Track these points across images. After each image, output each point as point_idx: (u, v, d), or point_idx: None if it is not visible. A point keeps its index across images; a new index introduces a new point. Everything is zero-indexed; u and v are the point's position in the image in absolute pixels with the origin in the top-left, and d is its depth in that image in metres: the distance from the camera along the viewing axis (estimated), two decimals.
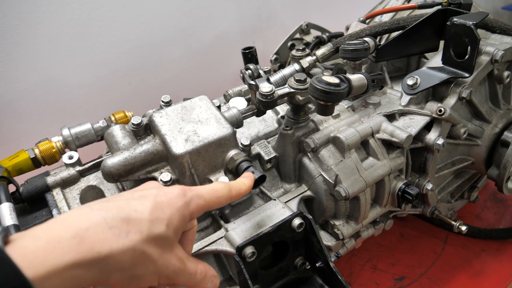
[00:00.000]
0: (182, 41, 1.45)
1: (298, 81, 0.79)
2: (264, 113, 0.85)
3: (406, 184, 0.88)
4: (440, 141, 0.86)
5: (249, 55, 0.91)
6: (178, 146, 0.70)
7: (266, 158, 0.86)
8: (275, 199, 0.79)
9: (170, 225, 0.48)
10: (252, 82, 0.81)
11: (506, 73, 0.92)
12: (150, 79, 1.45)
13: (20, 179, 0.81)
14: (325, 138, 0.83)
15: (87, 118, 0.93)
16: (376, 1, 1.28)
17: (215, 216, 0.79)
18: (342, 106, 0.92)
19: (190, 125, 0.73)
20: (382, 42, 1.00)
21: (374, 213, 0.90)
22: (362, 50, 0.83)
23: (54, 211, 0.75)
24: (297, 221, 0.70)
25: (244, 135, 0.89)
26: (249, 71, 0.84)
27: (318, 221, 0.89)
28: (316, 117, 0.88)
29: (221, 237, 0.73)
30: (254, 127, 0.94)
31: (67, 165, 0.81)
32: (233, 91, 1.03)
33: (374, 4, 1.28)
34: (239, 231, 0.71)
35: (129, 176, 0.72)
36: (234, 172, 0.73)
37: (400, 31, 0.89)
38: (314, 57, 0.94)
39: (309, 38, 1.33)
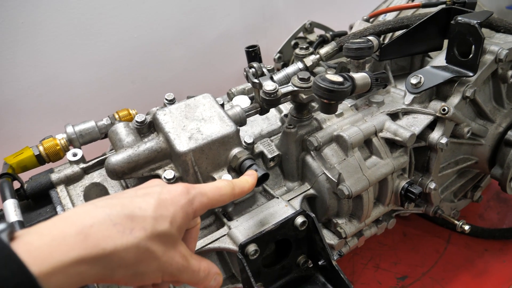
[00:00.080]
0: (186, 40, 1.45)
1: (301, 79, 0.79)
2: (267, 111, 0.85)
3: (409, 183, 0.88)
4: (444, 140, 0.85)
5: (253, 54, 0.91)
6: (182, 144, 0.70)
7: (269, 156, 0.86)
8: (278, 197, 0.79)
9: (174, 222, 0.48)
10: (256, 80, 0.81)
11: (510, 72, 0.92)
12: (154, 78, 1.45)
13: (25, 176, 0.82)
14: (328, 137, 0.83)
15: (90, 116, 0.93)
16: (380, 0, 1.28)
17: (218, 214, 0.79)
18: (345, 104, 0.92)
19: (193, 123, 0.73)
20: (386, 41, 1.00)
21: (377, 212, 0.90)
22: (365, 49, 0.83)
23: (58, 208, 0.76)
24: (300, 219, 0.70)
25: (247, 133, 0.89)
26: (253, 70, 0.84)
27: (321, 219, 0.89)
28: (320, 115, 0.88)
29: (224, 235, 0.73)
30: (257, 125, 0.94)
31: (71, 163, 0.81)
32: (237, 89, 1.03)
33: (378, 3, 1.27)
34: (242, 229, 0.72)
35: (133, 173, 0.72)
36: (237, 170, 0.73)
37: (404, 30, 0.89)
38: (317, 56, 0.94)
39: (312, 37, 1.33)
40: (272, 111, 0.95)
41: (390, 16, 1.12)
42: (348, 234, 0.86)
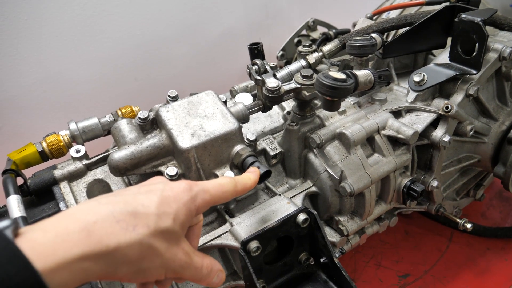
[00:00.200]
0: (189, 37, 1.45)
1: (304, 76, 0.79)
2: (270, 108, 0.85)
3: (412, 181, 0.87)
4: (447, 138, 0.85)
5: (256, 51, 0.91)
6: (185, 141, 0.70)
7: (272, 153, 0.86)
8: (280, 195, 0.79)
9: (177, 219, 0.48)
10: (259, 78, 0.81)
11: None
12: (157, 75, 1.45)
13: (28, 172, 0.82)
14: (331, 134, 0.83)
15: (93, 113, 0.93)
16: None
17: (220, 211, 0.79)
18: (348, 102, 0.91)
19: (196, 119, 0.73)
20: (389, 39, 1.00)
21: (379, 210, 0.90)
22: (369, 46, 0.83)
23: (61, 204, 0.76)
24: (302, 217, 0.70)
25: (250, 131, 0.89)
26: (256, 67, 0.84)
27: (323, 217, 0.89)
28: (322, 113, 0.88)
29: (226, 232, 0.73)
30: (260, 122, 0.94)
31: (74, 159, 0.81)
32: (240, 86, 1.03)
33: (381, 0, 1.27)
34: (244, 225, 0.72)
35: (136, 170, 0.72)
36: (240, 167, 0.73)
37: (408, 28, 0.89)
38: (320, 53, 0.94)
39: (315, 35, 1.33)
40: (275, 108, 0.95)
41: (393, 14, 1.12)
42: (350, 232, 0.86)
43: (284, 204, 0.75)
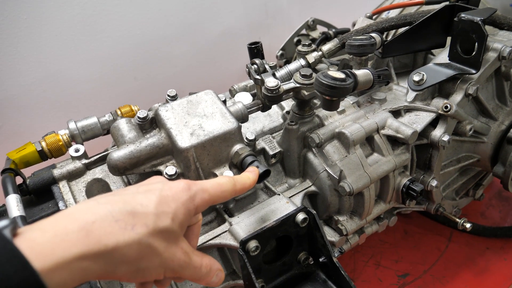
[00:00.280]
0: (188, 36, 1.45)
1: (303, 76, 0.79)
2: (269, 108, 0.85)
3: (411, 181, 0.87)
4: (446, 138, 0.85)
5: (255, 50, 0.91)
6: (184, 140, 0.70)
7: (271, 153, 0.86)
8: (279, 194, 0.79)
9: (176, 218, 0.48)
10: (258, 77, 0.81)
11: None
12: (156, 74, 1.45)
13: (27, 172, 0.82)
14: (330, 134, 0.83)
15: (93, 112, 0.93)
16: None
17: (220, 210, 0.79)
18: (347, 101, 0.91)
19: (195, 119, 0.73)
20: (389, 38, 1.00)
21: (378, 209, 0.90)
22: (368, 46, 0.83)
23: (60, 204, 0.76)
24: (301, 216, 0.70)
25: (249, 130, 0.89)
26: (255, 66, 0.84)
27: (322, 216, 0.89)
28: (322, 112, 0.88)
29: (225, 231, 0.73)
30: (259, 122, 0.94)
31: (73, 158, 0.81)
32: (239, 86, 1.03)
33: (381, 0, 1.27)
34: (243, 225, 0.72)
35: (135, 169, 0.72)
36: (239, 167, 0.73)
37: (407, 27, 0.89)
38: (320, 53, 0.94)
39: (315, 34, 1.33)
40: (274, 107, 0.95)
41: (393, 13, 1.12)
42: (349, 231, 0.86)
43: (283, 203, 0.75)
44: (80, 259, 0.40)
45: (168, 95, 0.82)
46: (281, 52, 1.33)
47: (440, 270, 1.09)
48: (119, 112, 0.91)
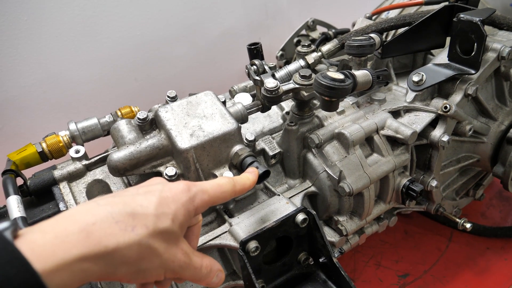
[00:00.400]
0: (188, 37, 1.45)
1: (303, 76, 0.79)
2: (269, 108, 0.86)
3: (411, 181, 0.88)
4: (445, 138, 0.85)
5: (255, 51, 0.91)
6: (183, 141, 0.70)
7: (271, 153, 0.86)
8: (279, 195, 0.79)
9: (176, 219, 0.49)
10: (257, 78, 0.81)
11: None
12: (156, 75, 1.45)
13: (28, 173, 0.82)
14: (330, 134, 0.84)
15: (93, 113, 0.93)
16: None
17: (219, 211, 0.79)
18: (347, 102, 0.92)
19: (195, 120, 0.74)
20: (388, 39, 1.00)
21: (378, 210, 0.90)
22: (367, 46, 0.83)
23: (61, 205, 0.76)
24: (300, 217, 0.70)
25: (249, 131, 0.89)
26: (254, 67, 0.84)
27: (322, 217, 0.89)
28: (321, 113, 0.88)
29: (225, 232, 0.73)
30: (259, 122, 0.94)
31: (73, 159, 0.82)
32: (239, 87, 1.03)
33: (380, 0, 1.27)
34: (243, 225, 0.72)
35: (135, 170, 0.73)
36: (239, 167, 0.73)
37: (407, 28, 0.89)
38: (319, 53, 0.94)
39: (315, 35, 1.33)
40: (274, 108, 0.95)
41: (392, 14, 1.12)
42: (349, 232, 0.86)
43: (283, 204, 0.75)
44: (81, 260, 0.40)
45: (168, 96, 0.82)
46: (281, 52, 1.33)
47: (440, 270, 1.09)
48: (119, 113, 0.91)
